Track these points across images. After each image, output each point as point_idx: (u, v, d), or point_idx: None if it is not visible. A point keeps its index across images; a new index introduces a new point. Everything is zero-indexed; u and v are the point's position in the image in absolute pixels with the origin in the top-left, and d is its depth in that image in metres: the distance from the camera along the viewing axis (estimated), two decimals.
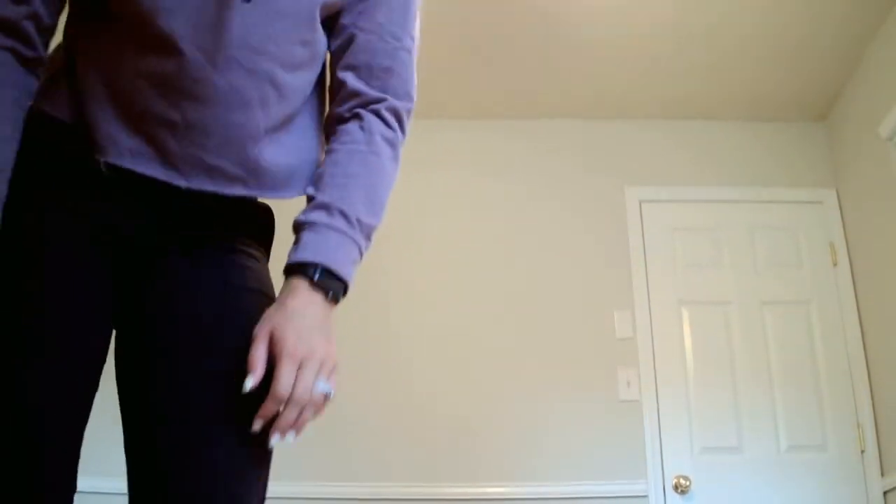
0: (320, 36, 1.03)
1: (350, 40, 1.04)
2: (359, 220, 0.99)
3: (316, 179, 1.02)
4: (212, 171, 0.97)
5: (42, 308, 0.90)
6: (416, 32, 1.11)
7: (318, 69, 1.05)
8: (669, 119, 3.88)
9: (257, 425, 0.91)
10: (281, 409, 0.91)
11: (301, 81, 1.03)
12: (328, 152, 1.03)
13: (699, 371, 3.48)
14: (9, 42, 0.94)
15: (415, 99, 1.09)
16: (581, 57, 3.50)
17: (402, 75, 1.07)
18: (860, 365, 3.47)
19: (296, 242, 0.99)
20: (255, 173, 1.01)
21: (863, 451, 3.35)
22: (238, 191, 1.00)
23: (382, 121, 1.04)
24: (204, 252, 0.99)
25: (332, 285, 0.97)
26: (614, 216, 3.71)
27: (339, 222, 0.97)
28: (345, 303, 2.84)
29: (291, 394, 0.90)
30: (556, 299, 3.56)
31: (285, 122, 1.02)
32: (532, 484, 3.27)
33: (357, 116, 1.03)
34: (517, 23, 3.31)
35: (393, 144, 1.05)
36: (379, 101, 1.04)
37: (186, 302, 0.97)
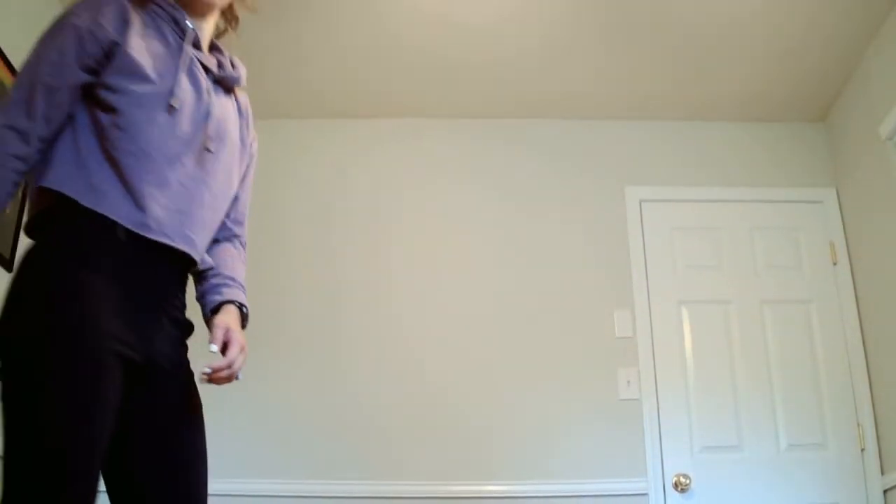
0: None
1: (235, 200, 1.69)
2: (245, 289, 1.67)
3: (219, 265, 1.65)
4: (191, 241, 1.50)
5: (97, 386, 1.30)
6: None
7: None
8: (669, 119, 3.89)
9: (205, 377, 1.46)
10: (222, 369, 1.48)
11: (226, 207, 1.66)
12: (219, 252, 1.66)
13: (699, 370, 3.49)
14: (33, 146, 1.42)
15: None
16: (580, 57, 3.51)
17: (245, 225, 1.76)
18: (860, 364, 3.48)
19: (218, 293, 1.61)
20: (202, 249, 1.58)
21: (863, 450, 3.36)
22: (196, 256, 1.54)
23: (242, 246, 1.73)
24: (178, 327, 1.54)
25: (245, 317, 1.64)
26: (614, 216, 3.72)
27: (239, 286, 1.65)
28: (355, 307, 3.05)
29: (232, 364, 1.49)
30: (557, 299, 3.57)
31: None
32: (532, 482, 3.29)
33: (229, 240, 1.69)
34: (519, 25, 3.33)
35: (244, 259, 1.74)
36: (239, 235, 1.73)
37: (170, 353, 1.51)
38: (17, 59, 2.85)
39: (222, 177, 1.56)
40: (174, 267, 1.50)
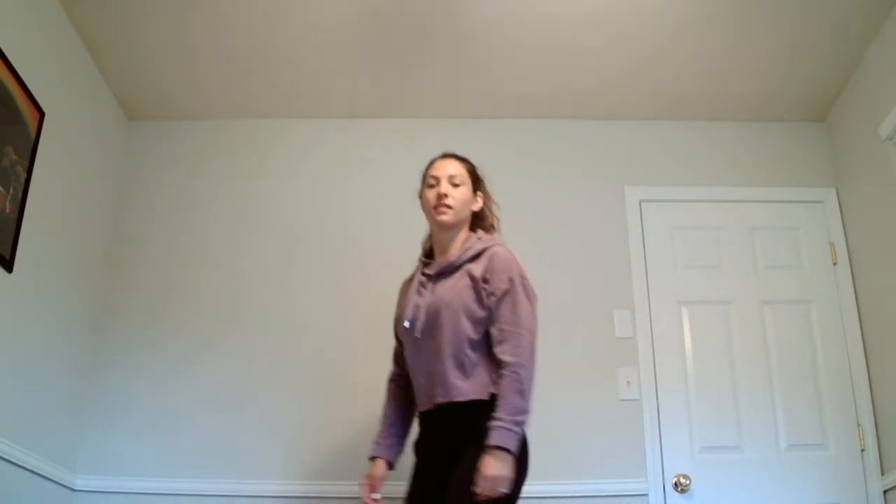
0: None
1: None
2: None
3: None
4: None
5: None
6: None
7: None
8: (669, 119, 3.89)
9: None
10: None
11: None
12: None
13: (699, 370, 3.49)
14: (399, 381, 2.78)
15: None
16: (581, 57, 3.51)
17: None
18: (860, 364, 3.48)
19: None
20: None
21: (863, 450, 3.36)
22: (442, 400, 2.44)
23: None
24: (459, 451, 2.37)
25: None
26: (614, 216, 3.72)
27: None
28: (350, 305, 2.97)
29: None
30: (556, 299, 3.57)
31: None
32: (532, 482, 3.27)
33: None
34: (517, 24, 3.33)
35: None
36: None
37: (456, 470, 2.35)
38: (18, 58, 2.85)
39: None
40: None
